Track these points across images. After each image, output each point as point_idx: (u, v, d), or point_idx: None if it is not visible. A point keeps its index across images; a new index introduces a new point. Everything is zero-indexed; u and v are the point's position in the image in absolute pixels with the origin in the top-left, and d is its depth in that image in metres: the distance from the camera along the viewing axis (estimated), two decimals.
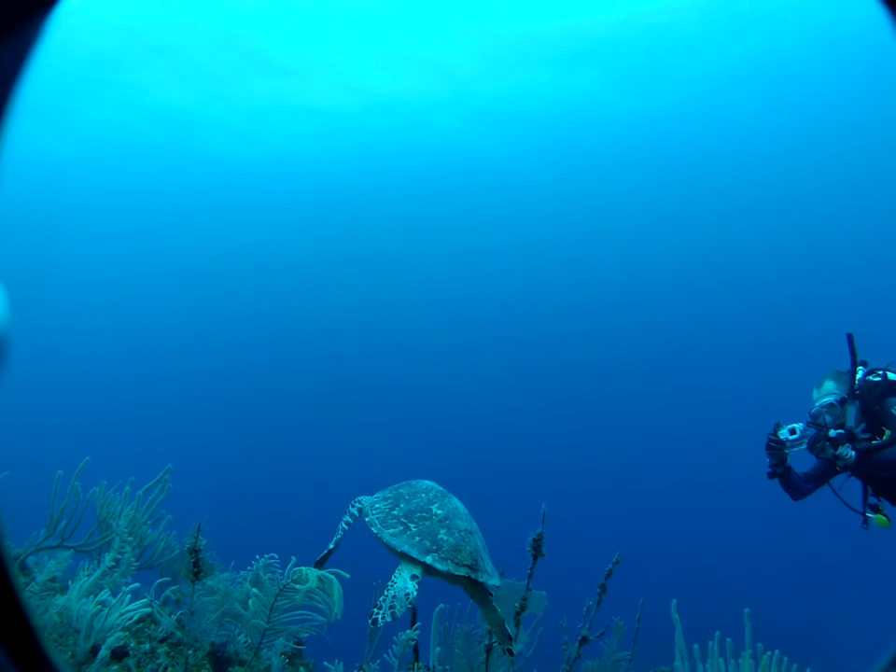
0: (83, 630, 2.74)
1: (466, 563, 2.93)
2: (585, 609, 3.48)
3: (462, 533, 3.00)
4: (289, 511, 17.60)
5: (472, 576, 2.92)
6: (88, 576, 3.08)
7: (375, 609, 2.82)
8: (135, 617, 2.88)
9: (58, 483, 3.80)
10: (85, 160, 21.13)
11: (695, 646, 3.33)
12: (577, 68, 18.09)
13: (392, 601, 2.82)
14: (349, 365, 24.45)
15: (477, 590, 3.14)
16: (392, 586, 2.88)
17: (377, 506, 3.20)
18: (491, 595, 3.17)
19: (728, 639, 3.27)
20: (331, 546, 3.39)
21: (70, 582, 3.17)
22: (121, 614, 2.80)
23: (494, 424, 23.31)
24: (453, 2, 16.39)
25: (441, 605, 5.76)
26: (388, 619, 2.79)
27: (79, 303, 23.92)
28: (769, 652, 3.15)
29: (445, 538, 2.96)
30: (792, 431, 4.16)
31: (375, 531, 3.08)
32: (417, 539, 2.95)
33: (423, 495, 3.20)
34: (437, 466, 18.54)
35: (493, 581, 3.04)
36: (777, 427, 4.20)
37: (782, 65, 18.05)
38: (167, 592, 3.48)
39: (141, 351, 24.14)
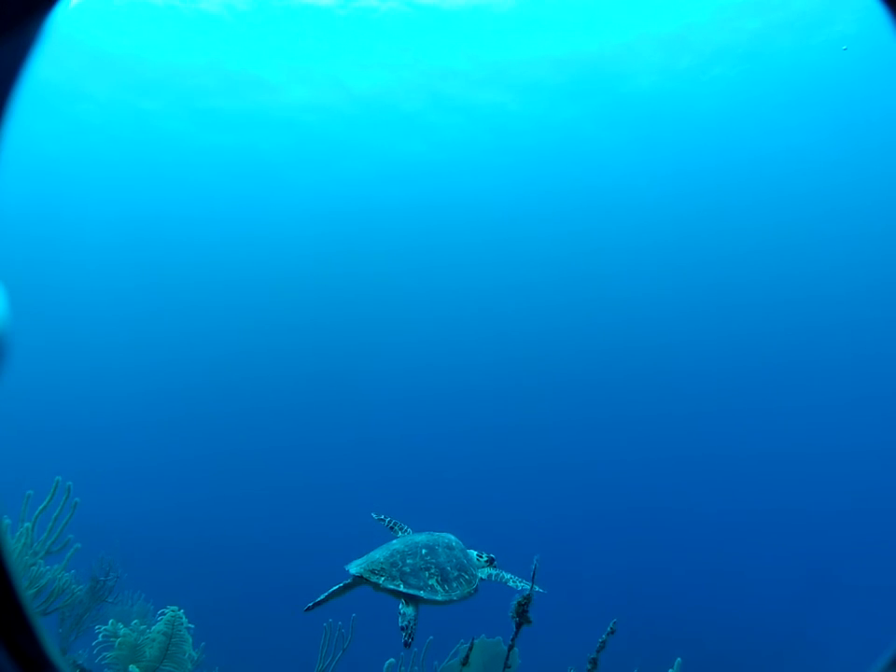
0: None
1: (369, 569, 3.69)
2: None
3: (392, 553, 3.78)
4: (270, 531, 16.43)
5: (365, 576, 3.66)
6: None
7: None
8: None
9: None
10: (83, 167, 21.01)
11: None
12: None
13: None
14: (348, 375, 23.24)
15: (402, 595, 3.71)
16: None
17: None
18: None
19: None
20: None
21: None
22: None
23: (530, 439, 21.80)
24: None
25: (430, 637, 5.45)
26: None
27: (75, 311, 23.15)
28: None
29: (377, 557, 3.78)
30: None
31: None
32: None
33: (409, 539, 4.00)
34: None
35: (402, 588, 3.62)
36: None
37: None
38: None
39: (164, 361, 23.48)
